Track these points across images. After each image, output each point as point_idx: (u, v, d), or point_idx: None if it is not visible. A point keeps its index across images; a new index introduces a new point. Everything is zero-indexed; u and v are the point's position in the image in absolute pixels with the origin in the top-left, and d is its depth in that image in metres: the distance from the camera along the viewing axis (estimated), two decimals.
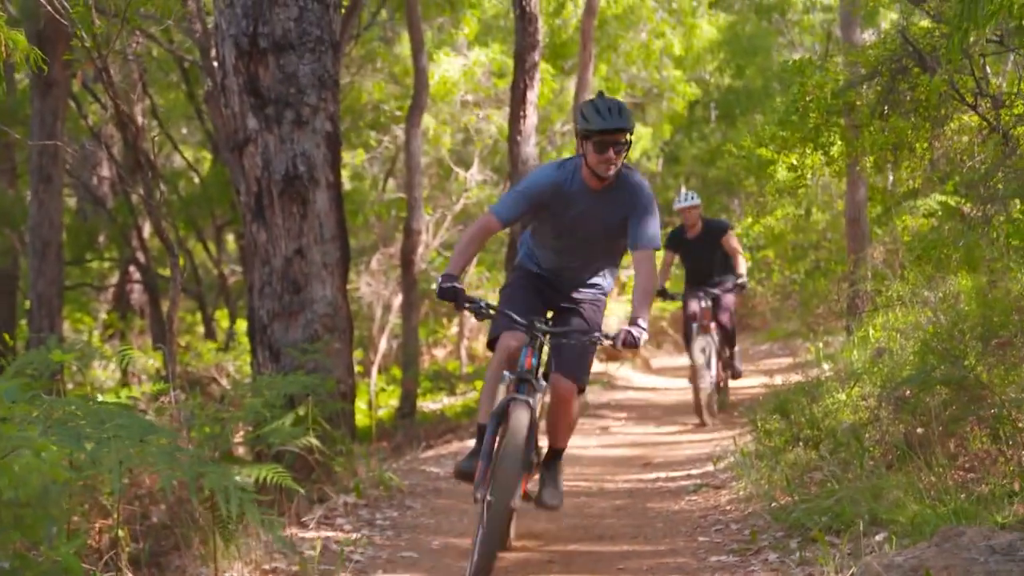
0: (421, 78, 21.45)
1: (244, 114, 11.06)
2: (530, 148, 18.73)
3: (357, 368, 18.04)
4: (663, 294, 15.60)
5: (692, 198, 15.54)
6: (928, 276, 11.94)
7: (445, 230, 27.25)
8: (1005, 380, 8.21)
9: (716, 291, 15.51)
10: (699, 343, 15.32)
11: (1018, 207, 11.56)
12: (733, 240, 15.61)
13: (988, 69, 13.46)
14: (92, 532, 7.28)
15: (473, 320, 31.32)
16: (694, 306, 15.46)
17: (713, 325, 15.61)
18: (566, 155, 30.11)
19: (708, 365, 15.32)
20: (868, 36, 22.20)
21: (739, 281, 15.51)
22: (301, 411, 9.50)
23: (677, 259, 16.25)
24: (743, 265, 15.63)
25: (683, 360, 30.32)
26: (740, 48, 34.38)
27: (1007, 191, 11.54)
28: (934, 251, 12.63)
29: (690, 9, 31.65)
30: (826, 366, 14.18)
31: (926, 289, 11.17)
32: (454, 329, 30.17)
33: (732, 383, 17.02)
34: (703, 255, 15.60)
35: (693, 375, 15.33)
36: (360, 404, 18.79)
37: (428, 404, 23.93)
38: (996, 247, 10.86)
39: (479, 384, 25.25)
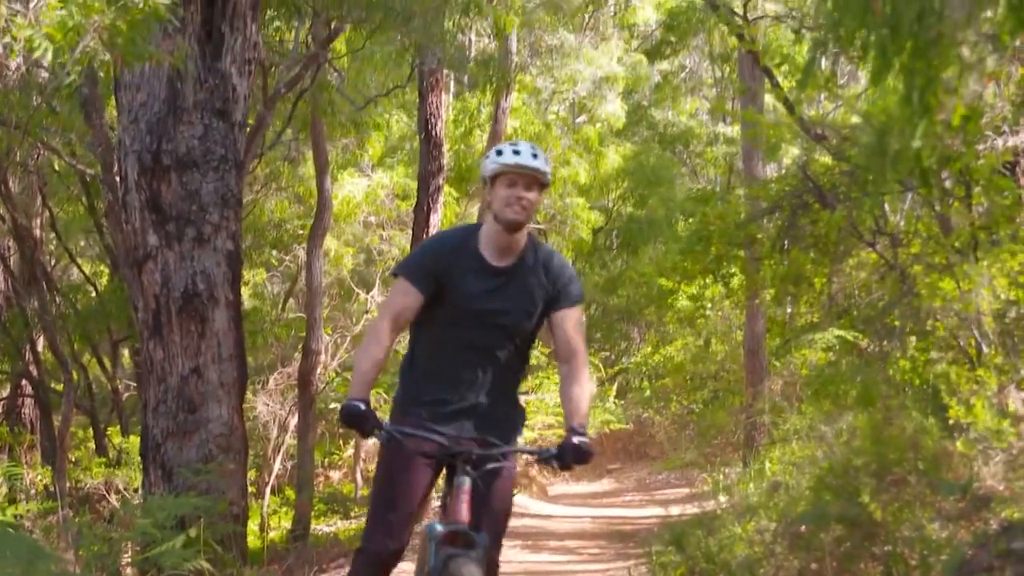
0: (324, 198, 21.45)
1: (145, 230, 10.97)
2: None
3: (251, 488, 17.81)
4: (354, 418, 6.01)
5: (536, 157, 6.29)
6: (825, 411, 12.02)
7: (344, 351, 27.13)
8: (898, 518, 8.26)
9: (493, 464, 6.16)
10: None
11: (915, 344, 11.70)
12: (577, 318, 6.50)
13: (887, 207, 13.68)
14: None
15: (371, 441, 30.97)
16: (459, 502, 6.10)
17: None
18: None
19: None
20: (770, 170, 22.56)
21: (576, 441, 5.97)
22: (192, 533, 9.34)
23: (429, 319, 6.54)
24: (586, 395, 6.28)
25: (584, 487, 30.23)
26: (644, 177, 34.76)
27: (904, 328, 11.67)
28: (831, 386, 12.75)
29: (597, 138, 31.99)
30: (723, 498, 14.19)
31: (823, 424, 11.23)
32: (350, 451, 29.92)
33: None
34: (500, 325, 6.41)
35: None
36: (252, 526, 18.52)
37: (322, 527, 23.65)
38: (892, 384, 10.97)
39: None
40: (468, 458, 6.04)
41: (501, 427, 6.34)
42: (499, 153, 6.27)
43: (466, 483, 6.01)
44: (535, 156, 6.23)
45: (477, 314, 6.29)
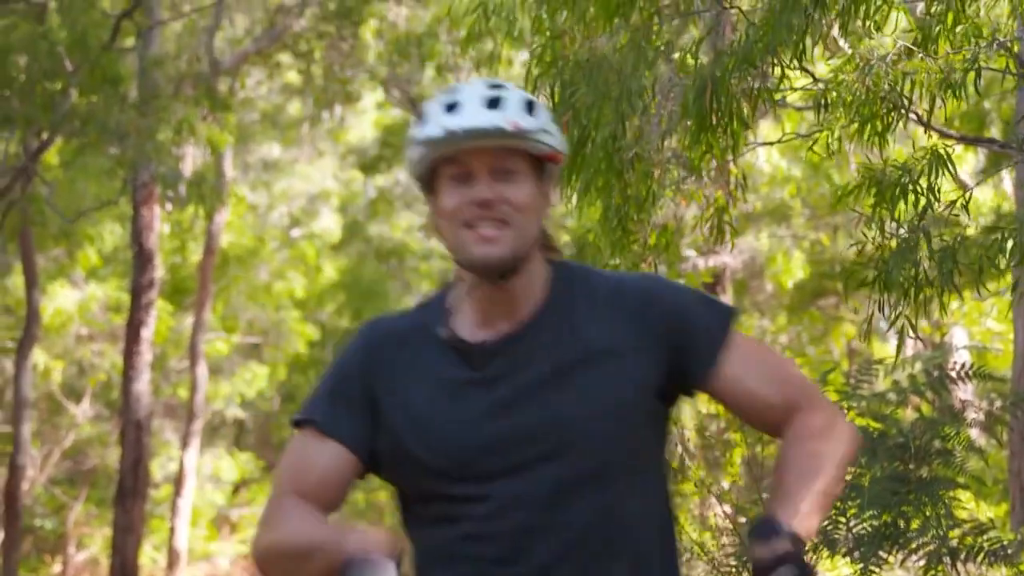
0: (33, 310, 21.04)
1: None
2: (143, 385, 18.56)
3: None
4: None
5: (498, 104, 2.76)
6: None
7: (53, 465, 26.51)
8: None
9: None
10: None
11: None
12: (754, 347, 2.95)
13: None
14: None
15: (79, 557, 30.22)
16: None
17: None
18: (183, 392, 29.49)
19: None
20: None
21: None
22: None
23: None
24: (837, 454, 2.75)
25: None
26: (359, 292, 34.91)
27: None
28: None
29: (313, 252, 32.12)
30: None
31: None
32: (57, 567, 29.17)
33: None
34: (558, 477, 2.72)
35: None
36: None
37: None
38: None
39: None
40: None
41: None
42: (424, 121, 2.85)
43: None
44: (495, 102, 2.76)
45: (475, 473, 2.75)
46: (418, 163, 2.85)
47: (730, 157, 5.82)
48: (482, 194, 2.74)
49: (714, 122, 5.39)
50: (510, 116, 2.74)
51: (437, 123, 2.77)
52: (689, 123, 5.50)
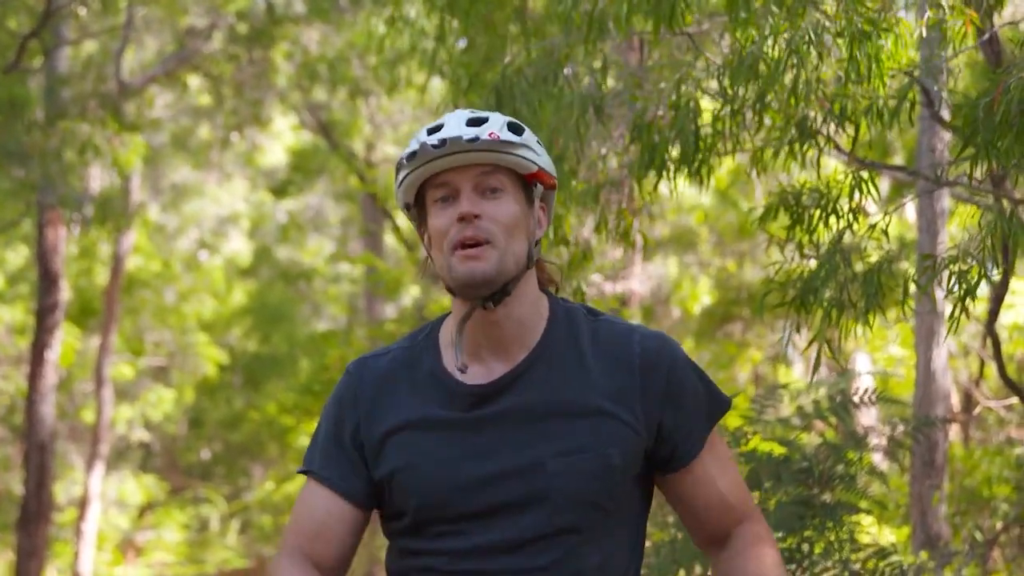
0: None
1: None
2: (48, 407, 18.38)
3: None
4: None
5: (480, 124, 2.83)
6: None
7: None
8: None
9: None
10: None
11: None
12: (722, 461, 2.94)
13: None
14: None
15: None
16: None
17: None
18: (88, 415, 29.42)
19: None
20: (391, 310, 22.91)
21: None
22: None
23: None
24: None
25: None
26: (268, 315, 34.75)
27: None
28: None
29: (222, 275, 31.97)
30: None
31: None
32: None
33: None
34: (526, 525, 2.78)
35: None
36: None
37: None
38: None
39: None
40: None
41: None
42: (410, 153, 2.82)
43: None
44: (477, 121, 2.81)
45: (451, 514, 2.80)
46: (405, 187, 2.86)
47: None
48: (464, 208, 2.75)
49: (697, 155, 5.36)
50: (498, 129, 2.78)
51: (418, 141, 2.79)
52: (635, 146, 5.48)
